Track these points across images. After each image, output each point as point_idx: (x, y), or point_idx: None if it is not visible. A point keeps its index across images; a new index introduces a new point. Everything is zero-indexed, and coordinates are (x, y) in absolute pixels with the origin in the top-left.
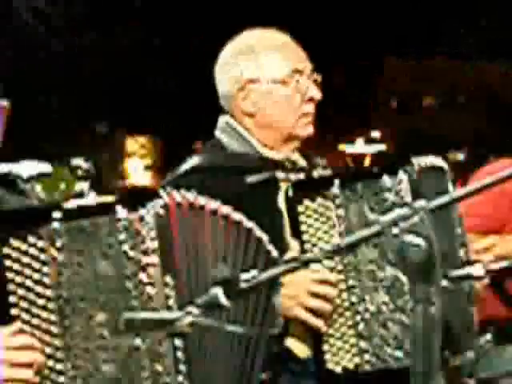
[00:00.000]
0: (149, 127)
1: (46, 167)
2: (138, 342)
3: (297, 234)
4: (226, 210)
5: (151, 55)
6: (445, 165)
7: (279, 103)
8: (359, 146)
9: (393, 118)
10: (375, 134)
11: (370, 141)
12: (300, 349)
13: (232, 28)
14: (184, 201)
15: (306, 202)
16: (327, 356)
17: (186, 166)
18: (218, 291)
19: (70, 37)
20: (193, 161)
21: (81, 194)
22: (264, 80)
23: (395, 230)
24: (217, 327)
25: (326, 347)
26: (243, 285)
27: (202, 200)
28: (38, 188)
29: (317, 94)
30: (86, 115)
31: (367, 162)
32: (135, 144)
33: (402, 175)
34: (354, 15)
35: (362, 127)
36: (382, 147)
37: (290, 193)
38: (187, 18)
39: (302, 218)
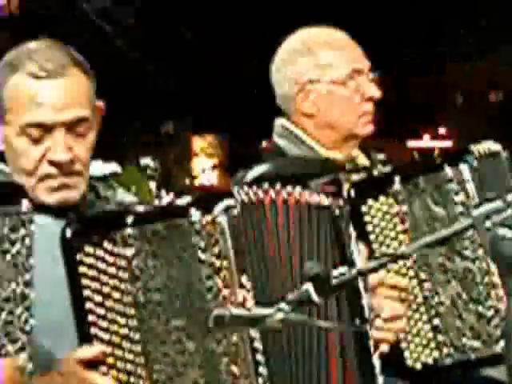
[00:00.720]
0: (214, 126)
1: (115, 167)
2: (215, 345)
3: (363, 234)
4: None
5: (213, 53)
6: (501, 148)
7: (339, 103)
8: (426, 142)
9: (459, 115)
10: (442, 130)
11: (436, 137)
12: None
13: (289, 25)
14: (256, 200)
15: (370, 201)
16: (406, 353)
17: (253, 173)
18: (309, 287)
19: (135, 37)
20: (260, 169)
21: (157, 196)
22: (324, 81)
23: (488, 224)
24: (308, 324)
25: (403, 345)
26: (334, 281)
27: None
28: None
29: (376, 92)
30: (151, 115)
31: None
32: (202, 143)
33: (462, 165)
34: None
35: (428, 124)
36: (449, 143)
37: (353, 194)
38: (243, 18)
39: (367, 218)
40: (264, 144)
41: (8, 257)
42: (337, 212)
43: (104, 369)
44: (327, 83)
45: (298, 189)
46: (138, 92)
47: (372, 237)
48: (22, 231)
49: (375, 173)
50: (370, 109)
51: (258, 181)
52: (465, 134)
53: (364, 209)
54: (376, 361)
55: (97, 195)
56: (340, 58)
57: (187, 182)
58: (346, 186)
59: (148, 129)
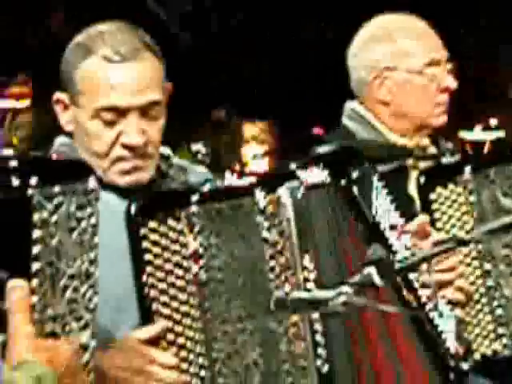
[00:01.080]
0: (265, 113)
1: (166, 150)
2: (275, 325)
3: (431, 222)
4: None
5: (267, 40)
6: None
7: (415, 93)
8: (477, 133)
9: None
10: (494, 121)
11: (488, 128)
12: None
13: (353, 15)
14: (320, 182)
15: (439, 189)
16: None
17: (315, 154)
18: (372, 271)
19: (189, 23)
20: (323, 150)
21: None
22: (401, 69)
23: None
24: (370, 307)
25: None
26: (398, 265)
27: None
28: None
29: (452, 83)
30: (203, 102)
31: (486, 148)
32: (253, 129)
33: None
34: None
35: (480, 115)
36: (501, 134)
37: (422, 180)
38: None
39: (435, 205)
40: (315, 131)
41: (74, 235)
42: None
43: (164, 344)
44: (404, 71)
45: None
46: (191, 78)
47: (439, 224)
48: (89, 209)
49: (444, 161)
50: (444, 99)
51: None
52: None
53: (433, 196)
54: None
55: (162, 174)
56: (418, 47)
57: (237, 168)
58: (413, 173)
59: (200, 115)
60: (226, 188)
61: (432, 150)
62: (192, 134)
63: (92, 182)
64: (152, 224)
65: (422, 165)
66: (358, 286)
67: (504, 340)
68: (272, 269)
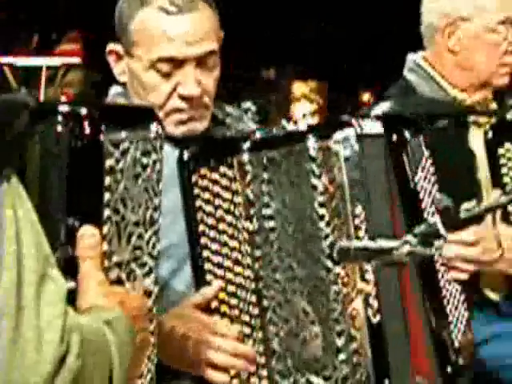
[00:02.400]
0: (316, 72)
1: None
2: (325, 273)
3: (497, 176)
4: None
5: (317, 3)
6: None
7: (485, 48)
8: None
9: None
10: None
11: None
12: (493, 292)
13: None
14: (373, 132)
15: (507, 144)
16: None
17: (376, 111)
18: (437, 220)
19: None
20: (383, 106)
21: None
22: (475, 22)
23: None
24: (434, 256)
25: None
26: (463, 215)
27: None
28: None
29: None
30: (252, 61)
31: None
32: (304, 88)
33: None
34: None
35: None
36: None
37: (490, 135)
38: None
39: (503, 160)
40: (365, 96)
41: (140, 181)
42: None
43: (222, 308)
44: (477, 25)
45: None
46: (240, 37)
47: (506, 179)
48: (154, 156)
49: (509, 117)
50: (511, 61)
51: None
52: None
53: (501, 151)
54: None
55: (218, 123)
56: (496, 4)
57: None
58: (473, 129)
59: (250, 73)
60: (278, 135)
61: (493, 106)
62: (242, 92)
63: (155, 129)
64: (203, 170)
65: (483, 120)
66: (422, 236)
67: None
68: (322, 217)
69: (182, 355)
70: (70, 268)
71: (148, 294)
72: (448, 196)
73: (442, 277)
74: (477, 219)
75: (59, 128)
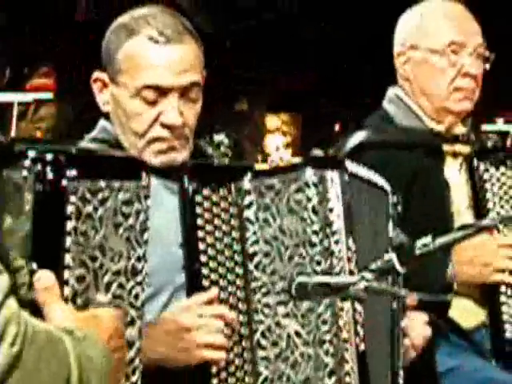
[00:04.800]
0: (289, 105)
1: None
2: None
3: (483, 202)
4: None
5: (290, 31)
6: None
7: (432, 73)
8: (500, 126)
9: None
10: None
11: (510, 122)
12: (466, 319)
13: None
14: (361, 174)
15: (492, 170)
16: (506, 325)
17: (353, 141)
18: (392, 256)
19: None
20: (360, 136)
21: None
22: (422, 47)
23: None
24: (390, 293)
25: (505, 317)
26: (418, 251)
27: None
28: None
29: (474, 70)
30: (225, 93)
31: (509, 141)
32: (276, 121)
33: None
34: None
35: (503, 109)
36: None
37: (475, 163)
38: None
39: (487, 185)
40: (337, 127)
41: (120, 230)
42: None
43: None
44: (424, 50)
45: None
46: (213, 69)
47: (490, 205)
48: (137, 205)
49: (489, 145)
50: (466, 85)
51: (358, 149)
52: None
53: (486, 176)
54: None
55: (201, 153)
56: (443, 28)
57: (260, 159)
58: (449, 159)
59: (222, 106)
60: (276, 167)
61: (471, 135)
62: (214, 126)
63: (144, 178)
64: (206, 191)
65: (459, 150)
66: (378, 272)
67: None
68: (320, 241)
69: (175, 345)
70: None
71: (130, 344)
72: (418, 227)
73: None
74: (432, 255)
75: (24, 172)
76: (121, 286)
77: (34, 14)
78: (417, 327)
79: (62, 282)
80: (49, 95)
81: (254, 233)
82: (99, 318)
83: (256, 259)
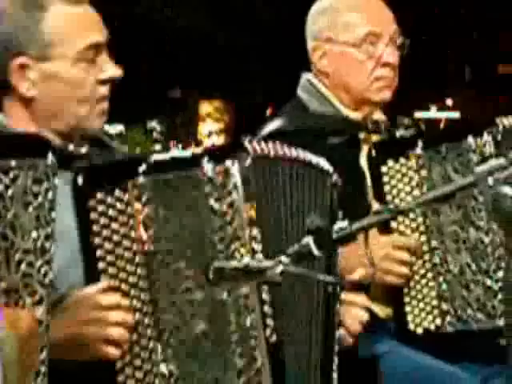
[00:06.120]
0: (221, 91)
1: (119, 128)
2: (224, 295)
3: (380, 194)
4: (305, 156)
5: (223, 19)
6: None
7: (351, 66)
8: (433, 113)
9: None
10: (449, 102)
11: (443, 108)
12: (380, 309)
13: None
14: (269, 152)
15: (390, 162)
16: (409, 317)
17: (269, 128)
18: (309, 240)
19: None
20: (276, 123)
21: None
22: (338, 41)
23: (490, 181)
24: (307, 276)
25: (407, 308)
26: (335, 235)
27: (285, 150)
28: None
29: (392, 58)
30: (159, 81)
31: (441, 127)
32: (209, 107)
33: (486, 136)
34: None
35: (437, 96)
36: (456, 115)
37: (373, 153)
38: None
39: (385, 178)
40: (269, 112)
41: (30, 209)
42: (334, 178)
43: None
44: (341, 44)
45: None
46: (147, 57)
47: (388, 197)
48: (46, 184)
49: (397, 135)
50: (385, 74)
51: (274, 135)
52: (471, 106)
53: (384, 169)
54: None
55: (103, 145)
56: (358, 20)
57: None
58: (365, 147)
59: (155, 93)
60: (173, 158)
61: (385, 124)
62: (147, 112)
63: (50, 158)
64: (99, 195)
65: (374, 138)
66: (295, 256)
67: (448, 317)
68: (221, 239)
69: (74, 341)
70: None
71: (39, 323)
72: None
73: None
74: (349, 238)
75: None
76: (30, 264)
77: None
78: (352, 313)
79: None
80: None
81: (155, 231)
82: (18, 317)
83: (158, 258)
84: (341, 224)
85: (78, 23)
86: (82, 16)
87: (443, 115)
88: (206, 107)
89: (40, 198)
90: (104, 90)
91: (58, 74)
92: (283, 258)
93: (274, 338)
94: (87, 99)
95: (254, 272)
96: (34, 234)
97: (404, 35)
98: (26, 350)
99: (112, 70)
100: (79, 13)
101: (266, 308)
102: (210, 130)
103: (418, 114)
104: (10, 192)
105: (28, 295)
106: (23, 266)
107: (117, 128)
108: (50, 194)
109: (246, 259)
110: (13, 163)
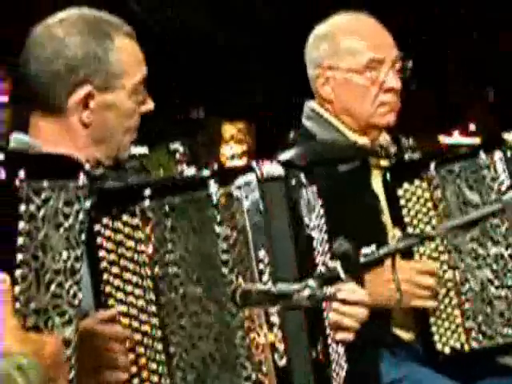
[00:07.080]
0: (245, 113)
1: (143, 150)
2: (230, 318)
3: (398, 217)
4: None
5: (246, 42)
6: None
7: (355, 92)
8: (456, 138)
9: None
10: (472, 127)
11: (465, 133)
12: (404, 332)
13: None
14: (274, 175)
15: (405, 185)
16: (435, 337)
17: (284, 156)
18: (337, 265)
19: (166, 23)
20: (289, 154)
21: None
22: (341, 68)
23: None
24: (334, 300)
25: (433, 329)
26: (362, 259)
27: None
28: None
29: (396, 84)
30: (182, 101)
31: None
32: (232, 129)
33: (498, 153)
34: None
35: (459, 122)
36: (477, 140)
37: (388, 177)
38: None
39: (402, 201)
40: (292, 134)
41: (61, 230)
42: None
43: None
44: (344, 71)
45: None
46: (170, 77)
47: (407, 220)
48: (77, 206)
49: (406, 158)
50: (390, 99)
51: (287, 164)
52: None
53: (400, 192)
54: None
55: (118, 166)
56: (360, 46)
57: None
58: (375, 171)
59: (179, 115)
60: (179, 181)
61: (392, 148)
62: (170, 134)
63: (82, 179)
64: (106, 220)
65: (383, 162)
66: (322, 280)
67: (473, 334)
68: (225, 262)
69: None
70: None
71: (67, 343)
72: (353, 239)
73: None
74: (376, 263)
75: None
76: (60, 285)
77: None
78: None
79: (13, 282)
80: (4, 99)
81: (162, 255)
82: (43, 344)
83: (166, 282)
84: (368, 249)
85: (136, 57)
86: (137, 50)
87: (467, 141)
88: (229, 129)
89: (71, 220)
90: (139, 120)
91: (115, 105)
92: (310, 282)
93: (282, 362)
94: (132, 129)
95: (280, 295)
96: (65, 255)
97: (404, 45)
98: (48, 377)
99: (151, 104)
100: (135, 46)
101: (275, 330)
102: (233, 152)
103: (442, 138)
104: (41, 213)
105: (57, 315)
106: (53, 287)
107: (141, 150)
108: (80, 216)
109: (264, 283)
110: (45, 184)
